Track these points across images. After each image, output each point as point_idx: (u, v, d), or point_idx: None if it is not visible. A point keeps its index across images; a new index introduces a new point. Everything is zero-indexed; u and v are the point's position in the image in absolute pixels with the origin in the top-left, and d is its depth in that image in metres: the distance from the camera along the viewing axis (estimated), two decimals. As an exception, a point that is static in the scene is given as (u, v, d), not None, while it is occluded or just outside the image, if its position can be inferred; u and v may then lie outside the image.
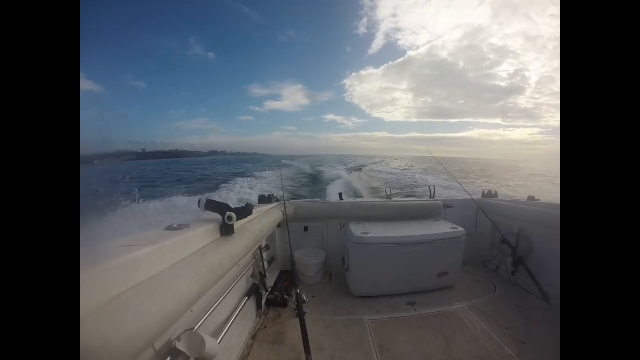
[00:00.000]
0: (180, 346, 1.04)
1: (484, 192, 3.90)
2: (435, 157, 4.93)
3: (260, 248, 2.41)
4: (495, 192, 3.85)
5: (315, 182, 17.33)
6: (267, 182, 16.42)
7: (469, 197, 3.61)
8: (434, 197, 3.70)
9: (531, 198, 3.33)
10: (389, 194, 3.69)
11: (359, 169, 24.67)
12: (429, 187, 3.90)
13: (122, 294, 0.85)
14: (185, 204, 9.10)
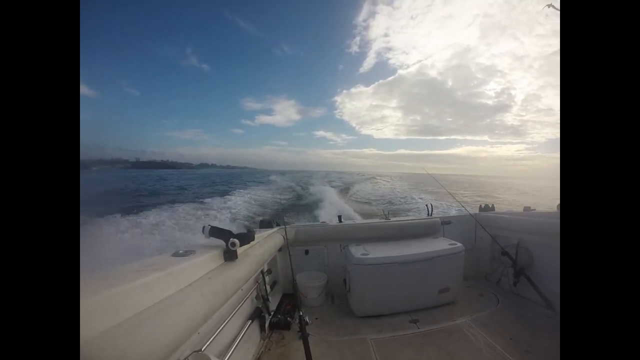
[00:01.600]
0: None
1: (480, 206, 3.95)
2: (431, 175, 5.02)
3: (262, 272, 2.46)
4: (492, 205, 3.91)
5: (302, 202, 16.15)
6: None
7: (467, 212, 3.68)
8: (431, 214, 3.76)
9: (527, 209, 3.40)
10: (386, 214, 3.76)
11: (347, 189, 24.17)
12: (426, 205, 3.97)
13: (134, 316, 0.89)
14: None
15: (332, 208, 12.81)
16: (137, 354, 0.82)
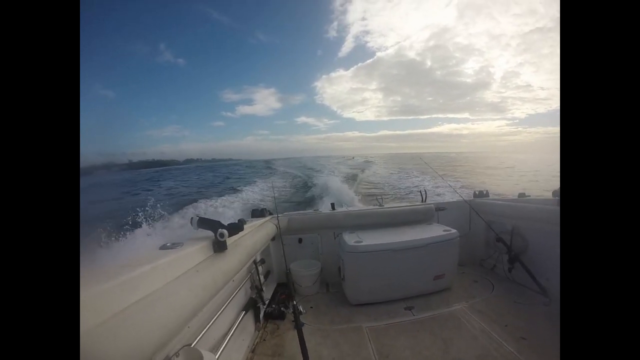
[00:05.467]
0: None
1: (475, 192, 3.93)
2: (427, 164, 4.96)
3: (255, 262, 2.42)
4: (487, 191, 3.90)
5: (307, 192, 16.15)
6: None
7: (461, 198, 3.66)
8: (425, 200, 3.74)
9: (522, 195, 3.37)
10: (380, 201, 3.73)
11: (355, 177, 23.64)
12: (420, 191, 3.94)
13: (119, 313, 0.86)
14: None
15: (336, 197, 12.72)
16: (121, 352, 0.78)
